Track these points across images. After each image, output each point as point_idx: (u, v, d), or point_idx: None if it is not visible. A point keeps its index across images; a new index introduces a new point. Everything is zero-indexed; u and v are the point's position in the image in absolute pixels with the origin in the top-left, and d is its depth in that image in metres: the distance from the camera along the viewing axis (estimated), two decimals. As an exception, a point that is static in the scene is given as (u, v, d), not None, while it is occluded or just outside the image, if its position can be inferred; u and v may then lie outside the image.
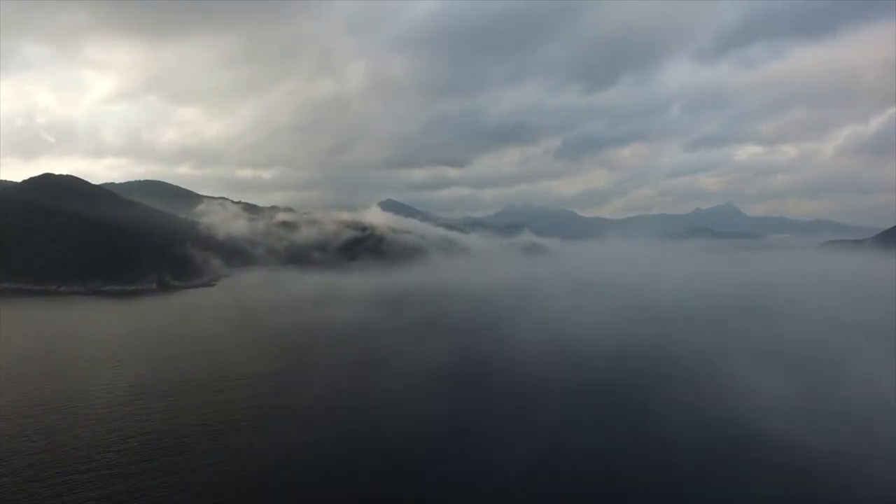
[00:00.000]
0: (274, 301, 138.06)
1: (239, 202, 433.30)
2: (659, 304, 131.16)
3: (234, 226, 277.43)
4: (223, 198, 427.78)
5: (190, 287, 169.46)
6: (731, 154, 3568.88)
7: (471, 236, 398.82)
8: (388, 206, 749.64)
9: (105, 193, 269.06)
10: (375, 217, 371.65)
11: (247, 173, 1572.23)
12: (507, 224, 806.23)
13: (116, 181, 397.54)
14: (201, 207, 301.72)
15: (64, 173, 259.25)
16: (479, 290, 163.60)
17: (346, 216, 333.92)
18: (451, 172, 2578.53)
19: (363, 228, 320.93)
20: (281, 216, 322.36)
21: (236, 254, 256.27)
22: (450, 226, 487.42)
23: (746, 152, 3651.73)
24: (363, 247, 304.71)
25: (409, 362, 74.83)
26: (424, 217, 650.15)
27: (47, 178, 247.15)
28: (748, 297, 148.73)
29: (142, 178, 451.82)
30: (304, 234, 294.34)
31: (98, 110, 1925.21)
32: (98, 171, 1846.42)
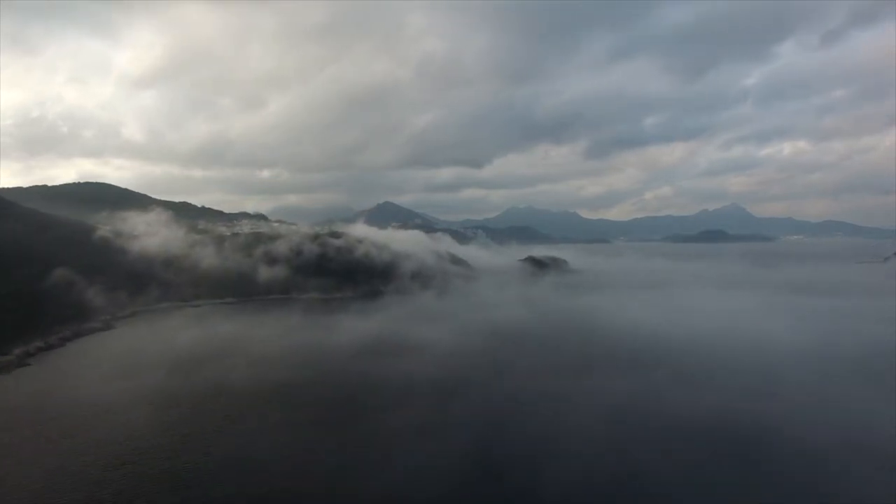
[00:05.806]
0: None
1: (203, 207, 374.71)
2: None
3: (151, 242, 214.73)
4: (184, 202, 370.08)
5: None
6: (774, 152, 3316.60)
7: (468, 248, 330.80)
8: (384, 209, 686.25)
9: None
10: (356, 230, 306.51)
11: (264, 174, 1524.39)
12: (508, 227, 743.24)
13: (50, 184, 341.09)
14: (103, 217, 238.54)
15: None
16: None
17: (308, 230, 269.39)
18: (477, 173, 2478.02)
19: (337, 239, 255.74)
20: (224, 229, 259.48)
21: (144, 282, 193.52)
22: (449, 231, 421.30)
23: (793, 147, 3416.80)
24: (324, 268, 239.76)
25: None
26: (424, 221, 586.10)
27: None
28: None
29: (147, 179, 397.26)
30: (247, 255, 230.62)
31: (119, 102, 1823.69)
32: (107, 171, 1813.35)
